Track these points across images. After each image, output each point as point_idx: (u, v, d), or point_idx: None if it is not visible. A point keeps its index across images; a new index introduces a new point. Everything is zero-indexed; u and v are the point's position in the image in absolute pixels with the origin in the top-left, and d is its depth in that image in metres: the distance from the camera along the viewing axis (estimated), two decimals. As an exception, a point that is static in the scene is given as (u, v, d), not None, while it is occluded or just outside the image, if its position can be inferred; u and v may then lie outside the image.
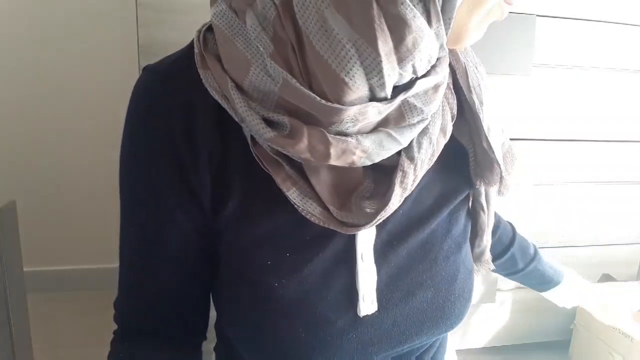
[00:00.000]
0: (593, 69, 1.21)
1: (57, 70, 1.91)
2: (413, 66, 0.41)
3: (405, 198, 0.49)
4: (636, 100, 1.26)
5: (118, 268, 0.52)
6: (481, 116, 0.51)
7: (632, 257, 1.39)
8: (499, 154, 0.53)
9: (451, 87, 0.51)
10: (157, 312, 0.52)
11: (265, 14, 0.41)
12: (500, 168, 0.53)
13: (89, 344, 1.72)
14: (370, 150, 0.43)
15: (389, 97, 0.43)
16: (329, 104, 0.40)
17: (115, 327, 0.55)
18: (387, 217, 0.49)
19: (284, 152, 0.43)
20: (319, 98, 0.40)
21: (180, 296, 0.52)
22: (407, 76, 0.42)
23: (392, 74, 0.40)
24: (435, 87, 0.46)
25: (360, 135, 0.43)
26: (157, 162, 0.46)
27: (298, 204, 0.45)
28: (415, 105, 0.44)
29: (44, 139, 1.96)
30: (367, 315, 0.50)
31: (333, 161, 0.42)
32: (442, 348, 0.63)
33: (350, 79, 0.39)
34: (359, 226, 0.46)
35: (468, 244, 0.58)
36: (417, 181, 0.47)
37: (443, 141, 0.49)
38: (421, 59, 0.41)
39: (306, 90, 0.40)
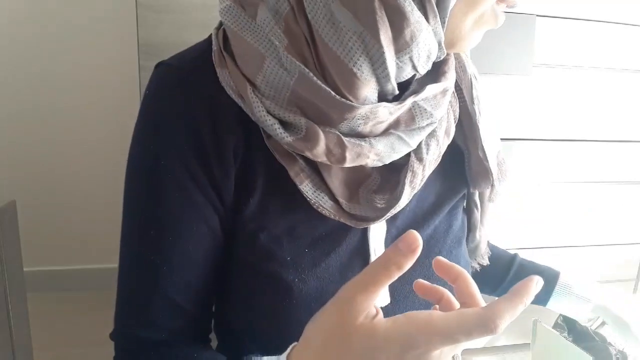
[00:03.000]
0: (593, 69, 1.21)
1: (57, 70, 1.91)
2: (411, 60, 0.42)
3: (415, 194, 0.52)
4: (636, 100, 1.26)
5: (117, 277, 0.51)
6: (480, 126, 0.54)
7: (632, 257, 1.38)
8: (493, 163, 0.55)
9: (454, 92, 0.54)
10: (174, 315, 0.50)
11: (277, 8, 0.42)
12: (492, 176, 0.55)
13: (89, 344, 1.72)
14: (383, 154, 0.46)
15: (397, 91, 0.45)
16: (343, 100, 0.42)
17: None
18: (396, 214, 0.51)
19: (302, 154, 0.44)
20: (334, 93, 0.41)
21: (194, 296, 0.51)
22: (407, 70, 0.43)
23: (392, 64, 0.42)
24: (444, 92, 0.48)
25: (373, 139, 0.45)
26: (182, 157, 0.46)
27: (310, 197, 0.46)
28: (425, 109, 0.47)
29: (44, 139, 1.96)
30: (380, 307, 0.51)
31: (348, 164, 0.45)
32: None
33: (358, 70, 0.41)
34: (368, 220, 0.48)
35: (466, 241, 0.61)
36: (424, 180, 0.50)
37: (447, 142, 0.52)
38: (419, 54, 0.42)
39: (322, 84, 0.41)
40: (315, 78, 0.41)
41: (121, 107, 1.91)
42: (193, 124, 0.46)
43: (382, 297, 0.51)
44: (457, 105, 0.54)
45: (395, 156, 0.47)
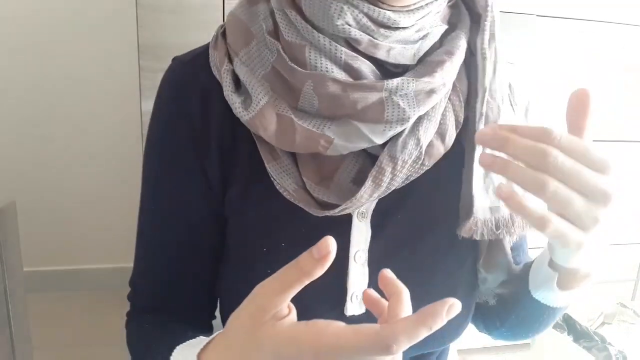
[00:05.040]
0: (593, 69, 1.21)
1: (57, 70, 1.91)
2: None
3: (409, 202, 0.49)
4: (636, 100, 1.26)
5: (134, 248, 0.56)
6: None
7: (632, 257, 1.38)
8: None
9: (461, 96, 0.49)
10: (174, 287, 0.54)
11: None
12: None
13: (89, 344, 1.73)
14: (336, 142, 0.45)
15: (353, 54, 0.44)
16: (294, 65, 0.44)
17: (126, 318, 0.57)
18: (385, 221, 0.50)
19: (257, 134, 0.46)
20: (289, 61, 0.45)
21: (195, 271, 0.54)
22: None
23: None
24: (429, 92, 0.45)
25: (325, 125, 0.45)
26: (177, 144, 0.51)
27: (275, 178, 0.47)
28: (398, 104, 0.44)
29: (44, 138, 1.96)
30: (354, 315, 0.50)
31: (299, 148, 0.45)
32: (443, 354, 0.61)
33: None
34: (327, 208, 0.46)
35: (475, 262, 0.54)
36: (396, 182, 0.46)
37: (441, 148, 0.48)
38: None
39: (284, 54, 0.45)
40: (283, 53, 0.45)
41: (121, 107, 1.91)
42: (185, 110, 0.50)
43: (356, 305, 0.50)
44: (462, 109, 0.49)
45: (352, 147, 0.45)
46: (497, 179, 0.49)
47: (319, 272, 0.31)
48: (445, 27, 0.49)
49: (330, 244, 0.30)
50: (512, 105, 0.52)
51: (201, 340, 0.39)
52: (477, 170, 0.48)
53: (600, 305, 1.21)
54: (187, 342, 0.43)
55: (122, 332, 0.56)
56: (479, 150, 0.48)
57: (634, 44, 1.21)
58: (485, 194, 0.49)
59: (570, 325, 1.06)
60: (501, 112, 0.49)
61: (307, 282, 0.32)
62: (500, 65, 0.50)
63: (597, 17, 1.17)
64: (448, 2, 0.50)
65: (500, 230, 0.49)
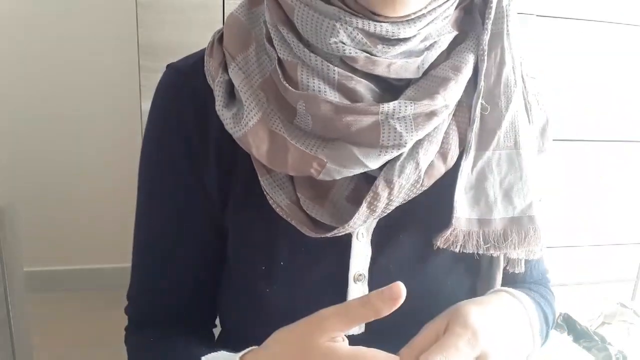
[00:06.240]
0: (593, 69, 1.21)
1: (57, 70, 1.91)
2: None
3: (411, 221, 0.48)
4: (636, 100, 1.26)
5: (131, 260, 0.54)
6: (465, 163, 0.48)
7: (632, 257, 1.38)
8: None
9: (467, 113, 0.47)
10: (173, 298, 0.53)
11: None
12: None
13: (89, 344, 1.73)
14: (329, 166, 0.42)
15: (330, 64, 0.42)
16: (285, 83, 0.43)
17: (126, 323, 0.56)
18: (387, 241, 0.48)
19: (247, 152, 0.44)
20: (282, 78, 0.43)
21: (195, 282, 0.53)
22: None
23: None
24: (430, 115, 0.43)
25: (319, 147, 0.42)
26: (174, 159, 0.49)
27: (267, 192, 0.45)
28: (395, 128, 0.42)
29: (44, 139, 1.96)
30: (352, 335, 0.48)
31: (291, 170, 0.43)
32: None
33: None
34: (320, 230, 0.45)
35: (481, 282, 0.53)
36: (392, 206, 0.45)
37: (442, 168, 0.46)
38: None
39: (278, 69, 0.43)
40: (278, 68, 0.43)
41: (121, 107, 1.91)
42: (181, 123, 0.48)
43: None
44: (469, 127, 0.47)
45: (345, 172, 0.43)
46: (491, 190, 0.47)
47: (387, 312, 0.32)
48: (455, 33, 0.46)
49: (402, 290, 0.32)
50: (529, 118, 0.50)
51: (231, 356, 0.39)
52: (464, 179, 0.47)
53: (600, 305, 1.21)
54: (212, 354, 0.42)
55: (122, 332, 0.55)
56: (469, 157, 0.47)
57: (634, 44, 1.22)
58: (475, 205, 0.47)
59: (570, 325, 1.06)
60: (504, 120, 0.47)
61: (372, 319, 0.33)
62: (508, 69, 0.47)
63: (597, 17, 1.17)
64: (459, 5, 0.47)
65: (488, 245, 0.47)
